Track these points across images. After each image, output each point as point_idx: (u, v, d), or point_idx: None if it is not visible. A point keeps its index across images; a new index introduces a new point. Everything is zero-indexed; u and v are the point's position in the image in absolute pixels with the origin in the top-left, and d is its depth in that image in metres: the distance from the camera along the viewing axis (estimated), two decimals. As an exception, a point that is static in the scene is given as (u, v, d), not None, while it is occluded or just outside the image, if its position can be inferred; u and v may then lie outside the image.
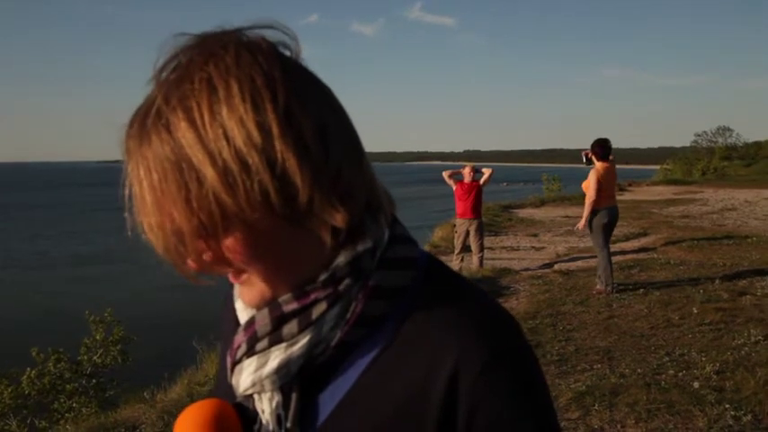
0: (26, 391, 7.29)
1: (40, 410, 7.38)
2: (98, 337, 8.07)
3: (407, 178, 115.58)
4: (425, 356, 0.64)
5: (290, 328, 0.65)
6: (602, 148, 7.56)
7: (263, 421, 0.68)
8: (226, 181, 0.58)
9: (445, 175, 9.61)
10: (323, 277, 0.65)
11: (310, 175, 0.60)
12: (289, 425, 0.67)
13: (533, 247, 11.80)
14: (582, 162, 8.00)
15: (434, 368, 0.63)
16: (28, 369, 7.49)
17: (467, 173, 9.36)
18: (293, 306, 0.65)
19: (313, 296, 0.65)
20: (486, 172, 9.52)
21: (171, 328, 12.20)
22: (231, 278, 0.67)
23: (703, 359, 5.08)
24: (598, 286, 7.60)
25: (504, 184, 64.96)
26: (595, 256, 8.03)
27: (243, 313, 0.72)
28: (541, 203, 20.66)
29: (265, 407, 0.68)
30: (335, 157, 0.62)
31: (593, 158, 7.62)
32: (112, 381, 8.02)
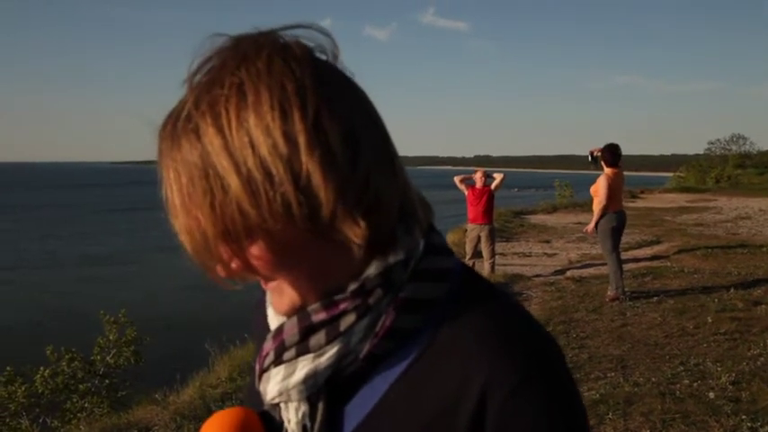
0: (39, 390, 7.30)
1: (53, 409, 7.40)
2: (111, 338, 8.10)
3: (418, 183, 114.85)
4: (455, 372, 0.62)
5: (318, 338, 0.64)
6: (612, 154, 7.60)
7: (289, 431, 0.68)
8: (249, 190, 0.58)
9: (457, 180, 9.60)
10: (352, 288, 0.64)
11: (335, 189, 0.59)
12: None
13: (545, 253, 11.75)
14: (588, 161, 8.01)
15: (464, 385, 0.62)
16: (41, 368, 7.52)
17: (478, 178, 9.34)
18: (322, 316, 0.65)
19: (342, 307, 0.64)
20: (498, 177, 9.50)
21: (183, 330, 12.25)
22: (262, 284, 0.68)
23: (719, 369, 5.03)
24: (609, 292, 7.59)
25: (516, 189, 64.78)
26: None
27: (273, 320, 0.72)
28: (553, 209, 20.59)
29: (291, 416, 0.67)
30: (364, 165, 0.61)
31: (603, 164, 7.64)
32: (125, 381, 8.03)
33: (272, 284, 0.66)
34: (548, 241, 13.38)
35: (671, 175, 48.63)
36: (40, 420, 7.18)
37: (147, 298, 16.64)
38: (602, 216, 7.50)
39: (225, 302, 12.32)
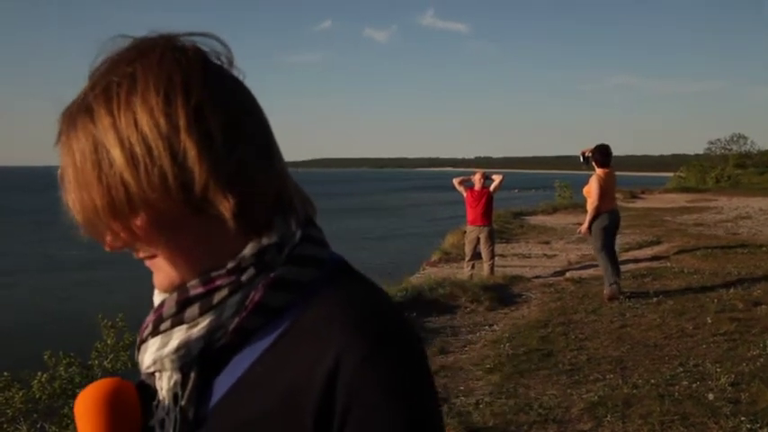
0: (37, 395, 7.28)
1: (51, 415, 7.37)
2: (109, 342, 8.06)
3: (418, 184, 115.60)
4: (312, 349, 0.67)
5: (192, 311, 0.70)
6: (603, 154, 7.73)
7: (161, 398, 0.72)
8: (131, 163, 0.65)
9: (455, 182, 9.58)
10: (229, 266, 0.70)
11: (209, 167, 0.66)
12: (183, 403, 0.71)
13: (545, 254, 11.73)
14: (580, 161, 8.09)
15: (318, 361, 0.66)
16: (39, 373, 7.49)
17: (477, 179, 9.33)
18: (198, 290, 0.70)
19: (217, 282, 0.70)
20: (497, 178, 9.48)
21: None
22: (145, 262, 0.74)
23: (718, 370, 5.01)
24: (605, 291, 7.61)
25: (516, 190, 64.76)
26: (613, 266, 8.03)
27: (157, 297, 0.76)
28: (553, 210, 20.57)
29: (164, 385, 0.72)
30: (240, 152, 0.68)
31: (595, 165, 7.74)
32: (123, 386, 8.02)
33: (152, 261, 0.72)
34: (547, 242, 13.36)
35: (671, 175, 48.59)
36: (38, 426, 7.14)
37: (145, 302, 16.59)
38: (595, 216, 7.60)
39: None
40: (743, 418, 4.06)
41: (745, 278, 8.58)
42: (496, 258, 9.61)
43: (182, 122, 0.65)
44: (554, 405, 4.44)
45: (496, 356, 5.64)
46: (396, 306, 0.73)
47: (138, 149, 0.65)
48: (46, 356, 7.83)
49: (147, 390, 0.73)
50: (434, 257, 11.83)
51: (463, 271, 9.38)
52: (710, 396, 4.47)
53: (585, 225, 7.77)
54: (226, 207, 0.67)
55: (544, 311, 7.29)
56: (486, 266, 9.23)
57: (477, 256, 9.29)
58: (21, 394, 7.17)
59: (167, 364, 0.71)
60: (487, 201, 9.18)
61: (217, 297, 0.69)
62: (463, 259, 9.71)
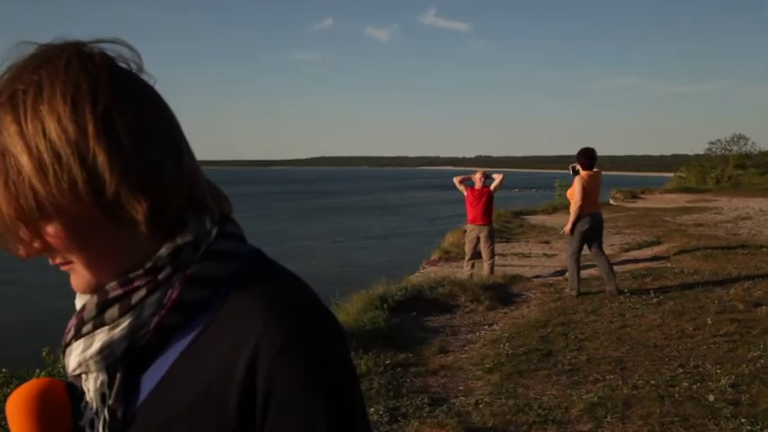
0: (35, 393, 7.28)
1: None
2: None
3: (418, 183, 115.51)
4: (231, 341, 0.68)
5: (112, 312, 0.71)
6: (587, 158, 7.90)
7: (89, 399, 0.73)
8: (40, 170, 0.65)
9: (456, 180, 9.57)
10: (146, 267, 0.71)
11: (118, 171, 0.66)
12: (110, 402, 0.72)
13: (545, 254, 11.73)
14: (570, 174, 8.29)
15: (237, 352, 0.67)
16: (37, 370, 7.48)
17: (477, 179, 9.32)
18: (117, 292, 0.71)
19: (136, 283, 0.71)
20: (497, 177, 9.46)
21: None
22: (61, 267, 0.74)
23: (718, 371, 4.99)
24: (568, 290, 7.98)
25: (516, 190, 64.68)
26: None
27: (79, 301, 0.77)
28: (553, 210, 20.54)
29: (91, 386, 0.73)
30: (150, 157, 0.68)
31: (580, 168, 7.92)
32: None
33: (67, 266, 0.73)
34: (547, 242, 13.35)
35: (671, 175, 48.54)
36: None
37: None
38: (578, 217, 7.78)
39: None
40: (743, 420, 4.04)
41: (746, 279, 8.56)
42: (497, 258, 9.59)
43: (90, 129, 0.65)
44: (554, 405, 4.42)
45: (496, 356, 5.62)
46: (314, 295, 0.74)
47: (47, 156, 0.65)
48: (44, 353, 7.81)
49: (75, 390, 0.74)
50: (434, 256, 11.82)
51: (463, 270, 9.37)
52: (711, 397, 4.45)
53: (569, 226, 7.93)
54: (138, 210, 0.68)
55: (544, 311, 7.27)
56: (485, 266, 9.21)
57: (477, 255, 9.27)
58: (19, 391, 7.16)
59: (92, 365, 0.72)
60: (488, 200, 9.17)
61: (135, 297, 0.70)
62: (463, 258, 9.69)
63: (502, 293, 8.08)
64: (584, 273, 9.53)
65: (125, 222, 0.69)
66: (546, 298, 7.97)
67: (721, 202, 24.60)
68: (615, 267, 9.59)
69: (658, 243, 12.74)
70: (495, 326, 6.81)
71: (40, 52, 0.69)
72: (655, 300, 7.50)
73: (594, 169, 7.95)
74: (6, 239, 0.70)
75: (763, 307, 7.02)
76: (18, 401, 0.73)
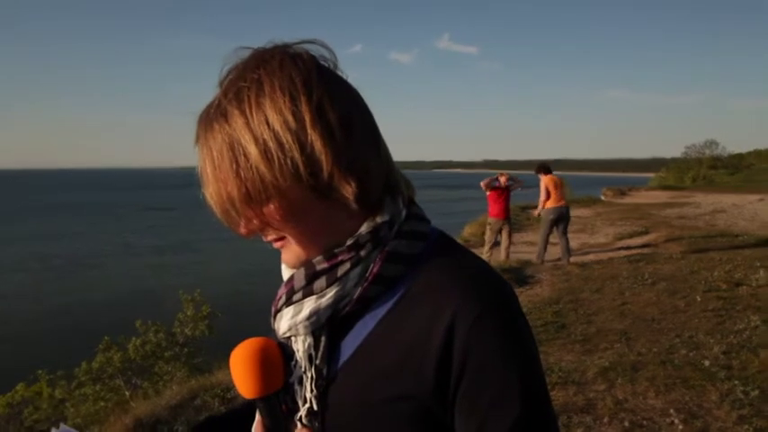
0: (132, 357, 7.45)
1: (142, 373, 7.54)
2: (189, 313, 8.20)
3: (434, 183, 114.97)
4: (429, 310, 0.66)
5: (320, 283, 0.69)
6: (545, 168, 9.16)
7: (298, 359, 0.72)
8: (265, 157, 0.64)
9: (482, 183, 9.49)
10: (349, 243, 0.69)
11: (332, 156, 0.64)
12: (317, 362, 0.71)
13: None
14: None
15: (435, 320, 0.65)
16: (133, 338, 7.65)
17: (503, 180, 9.36)
18: (323, 265, 0.69)
19: (340, 258, 0.69)
20: (519, 182, 9.59)
21: (248, 308, 12.35)
22: (274, 244, 0.72)
23: (711, 341, 4.92)
24: (536, 259, 9.06)
25: (520, 189, 64.04)
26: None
27: (286, 272, 0.76)
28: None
29: (300, 347, 0.72)
30: (355, 141, 0.67)
31: (542, 175, 9.07)
32: (200, 350, 8.14)
33: (280, 243, 0.71)
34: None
35: (653, 175, 47.79)
36: (133, 381, 7.31)
37: (216, 281, 16.78)
38: (546, 210, 9.01)
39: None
40: (736, 382, 3.99)
41: (726, 263, 8.40)
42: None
43: (307, 118, 0.64)
44: (571, 369, 4.41)
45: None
46: (496, 271, 0.72)
47: (272, 144, 0.64)
48: (138, 324, 7.99)
49: (285, 349, 0.73)
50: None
51: (483, 255, 9.36)
52: (706, 363, 4.39)
53: (536, 212, 9.58)
54: (348, 191, 0.66)
55: (555, 291, 7.22)
56: (503, 252, 9.24)
57: (495, 244, 9.31)
58: (119, 355, 7.33)
59: (301, 329, 0.70)
60: (507, 197, 9.30)
61: (340, 270, 0.69)
62: (482, 246, 9.67)
63: (518, 275, 8.05)
64: (586, 258, 9.48)
65: (335, 202, 0.67)
66: (555, 279, 7.90)
67: (699, 197, 24.15)
68: (611, 254, 9.54)
69: (647, 233, 12.55)
70: (513, 303, 6.78)
71: (254, 55, 0.68)
72: (649, 281, 7.40)
73: (552, 174, 9.11)
74: (233, 220, 0.69)
75: (744, 287, 6.88)
76: (244, 352, 0.71)
